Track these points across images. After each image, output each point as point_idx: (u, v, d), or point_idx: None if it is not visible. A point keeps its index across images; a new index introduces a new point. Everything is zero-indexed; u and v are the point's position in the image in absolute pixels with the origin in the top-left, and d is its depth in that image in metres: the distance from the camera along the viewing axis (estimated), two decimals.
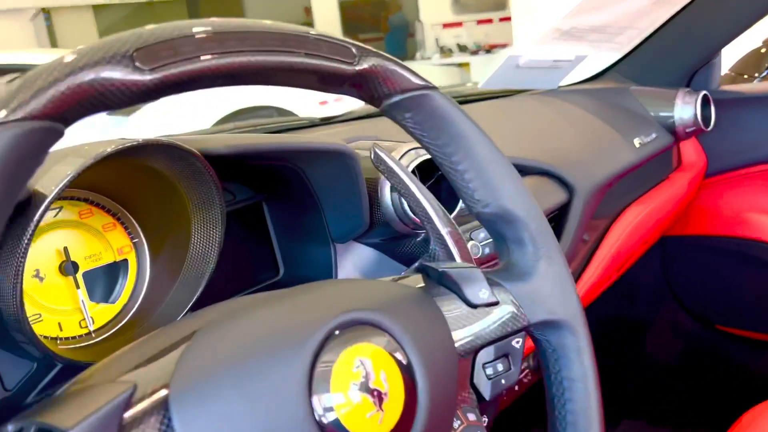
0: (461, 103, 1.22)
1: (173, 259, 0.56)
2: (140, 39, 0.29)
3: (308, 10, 10.78)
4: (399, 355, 0.34)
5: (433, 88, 0.41)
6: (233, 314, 0.34)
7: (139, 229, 0.58)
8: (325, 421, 0.31)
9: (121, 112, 3.76)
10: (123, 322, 0.58)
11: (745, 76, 1.41)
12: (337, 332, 0.33)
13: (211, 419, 0.29)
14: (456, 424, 0.39)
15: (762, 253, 1.24)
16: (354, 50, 0.37)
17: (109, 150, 0.43)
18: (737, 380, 1.34)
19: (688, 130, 1.12)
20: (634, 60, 1.28)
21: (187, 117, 3.59)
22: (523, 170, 0.84)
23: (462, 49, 7.72)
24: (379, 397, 0.32)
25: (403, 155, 0.61)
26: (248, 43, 0.32)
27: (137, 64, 0.28)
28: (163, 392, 0.29)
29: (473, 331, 0.40)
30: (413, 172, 0.62)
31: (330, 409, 0.31)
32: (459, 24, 8.45)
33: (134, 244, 0.58)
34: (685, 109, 1.10)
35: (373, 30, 10.14)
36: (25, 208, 0.42)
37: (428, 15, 8.69)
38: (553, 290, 0.43)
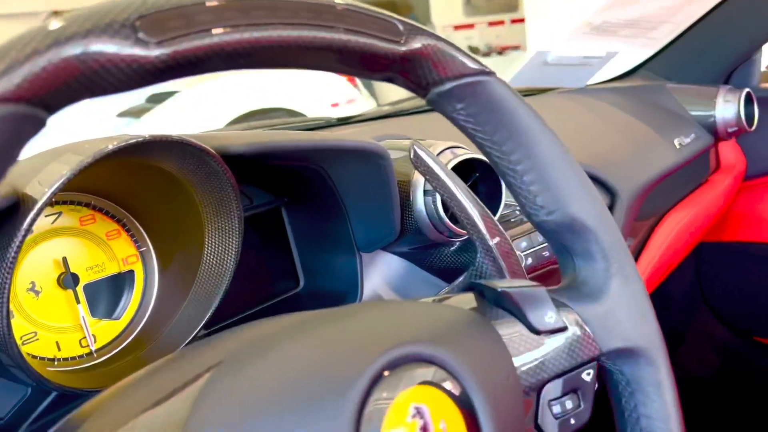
0: None
1: (184, 271, 0.50)
2: (145, 3, 0.23)
3: None
4: (461, 398, 0.28)
5: (492, 73, 0.35)
6: (258, 348, 0.27)
7: (146, 237, 0.52)
8: None
9: (131, 114, 3.73)
10: (128, 341, 0.52)
11: None
12: (386, 373, 0.26)
13: None
14: None
15: None
16: (401, 27, 0.31)
17: (111, 147, 0.37)
18: None
19: (730, 130, 1.05)
20: (668, 57, 1.21)
21: (194, 121, 3.55)
22: None
23: (473, 50, 7.66)
24: None
25: (441, 153, 0.55)
26: (279, 14, 0.26)
27: (141, 35, 0.22)
28: None
29: (539, 362, 0.34)
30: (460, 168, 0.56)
31: None
32: (471, 26, 8.39)
33: (141, 253, 0.53)
34: (727, 107, 1.03)
35: None
36: (13, 213, 0.36)
37: (439, 16, 8.62)
38: (629, 313, 0.36)
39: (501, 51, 7.71)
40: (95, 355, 0.51)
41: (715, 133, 1.06)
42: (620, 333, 0.36)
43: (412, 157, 0.43)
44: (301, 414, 0.24)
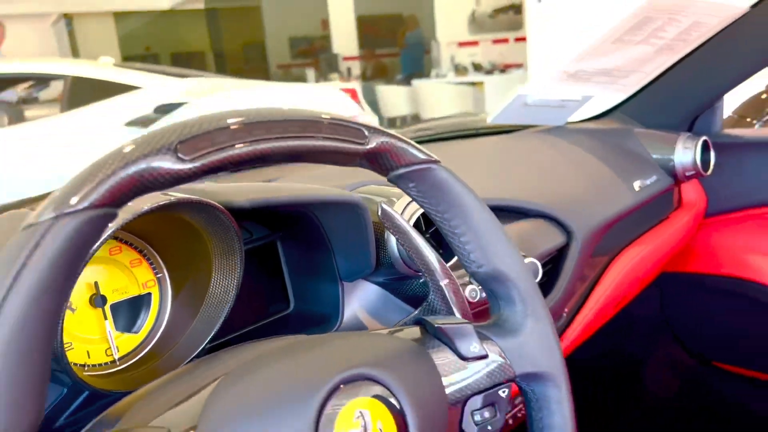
0: (470, 136, 1.27)
1: (193, 296, 0.61)
2: (183, 132, 0.34)
3: (325, 23, 10.92)
4: (394, 406, 0.39)
5: (436, 162, 0.46)
6: (252, 366, 0.38)
7: (163, 266, 0.63)
8: None
9: (140, 125, 3.84)
10: (145, 352, 0.62)
11: (748, 119, 1.45)
12: (341, 386, 0.37)
13: None
14: None
15: (759, 294, 1.27)
16: (365, 131, 0.42)
17: (146, 208, 0.48)
18: (733, 418, 1.37)
19: (687, 174, 1.16)
20: (639, 101, 1.32)
21: None
22: (525, 213, 0.88)
23: (477, 68, 7.79)
24: None
25: (406, 206, 0.66)
26: (274, 131, 0.37)
27: (180, 155, 0.33)
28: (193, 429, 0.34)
29: (463, 382, 0.45)
30: (418, 219, 0.67)
31: None
32: (475, 43, 8.53)
33: (158, 279, 0.63)
34: (685, 153, 1.14)
35: (389, 45, 10.25)
36: None
37: (445, 33, 8.78)
38: (538, 345, 0.47)
39: (504, 69, 7.84)
40: (118, 363, 0.61)
41: (675, 175, 1.16)
42: (531, 361, 0.47)
43: (380, 214, 0.54)
44: (280, 413, 0.35)
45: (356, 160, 0.42)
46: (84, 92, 4.00)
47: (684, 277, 1.37)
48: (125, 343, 0.62)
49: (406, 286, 0.71)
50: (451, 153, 1.10)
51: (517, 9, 8.13)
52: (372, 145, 0.42)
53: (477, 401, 0.45)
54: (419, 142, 1.22)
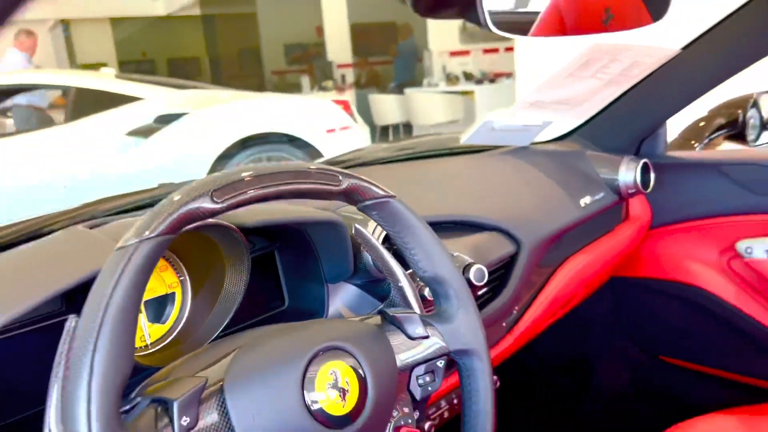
0: (445, 155, 1.44)
1: (209, 295, 0.78)
2: (215, 183, 0.51)
3: (320, 30, 11.10)
4: (358, 369, 0.56)
5: (392, 196, 0.63)
6: (259, 340, 0.56)
7: (185, 271, 0.80)
8: (312, 407, 0.53)
9: (141, 134, 4.01)
10: (171, 338, 0.80)
11: (692, 142, 1.63)
12: (320, 353, 0.55)
13: (247, 401, 0.51)
14: (395, 413, 0.60)
15: (697, 296, 1.45)
16: (339, 177, 0.59)
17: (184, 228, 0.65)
18: (676, 405, 1.55)
19: (630, 191, 1.34)
20: (594, 126, 1.50)
21: (206, 140, 3.83)
22: (481, 226, 1.06)
23: (468, 77, 7.98)
24: (343, 392, 0.54)
25: (376, 227, 0.83)
26: (276, 179, 0.55)
27: (214, 198, 0.51)
28: (221, 384, 0.51)
29: (411, 355, 0.62)
30: (385, 236, 0.85)
31: (315, 401, 0.53)
32: (466, 52, 8.74)
33: (181, 281, 0.80)
34: (627, 174, 1.32)
35: (382, 53, 10.44)
36: None
37: (437, 42, 8.98)
38: (467, 330, 0.65)
39: (494, 78, 8.05)
40: (149, 346, 0.78)
41: (619, 193, 1.34)
42: (462, 340, 0.64)
43: (354, 233, 0.71)
44: (279, 369, 0.53)
45: (335, 197, 0.60)
46: (87, 103, 4.16)
47: (634, 281, 1.55)
48: (155, 331, 0.80)
49: (378, 287, 0.88)
50: (426, 171, 1.27)
51: None
52: (344, 186, 0.59)
53: (421, 369, 0.63)
54: (402, 160, 1.43)
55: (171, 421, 0.48)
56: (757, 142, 1.54)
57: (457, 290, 0.65)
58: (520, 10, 0.75)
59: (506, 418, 1.73)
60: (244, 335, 0.60)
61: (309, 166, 0.58)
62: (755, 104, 1.70)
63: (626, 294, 1.58)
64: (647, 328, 1.59)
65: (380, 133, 7.16)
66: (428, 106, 6.77)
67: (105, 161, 3.92)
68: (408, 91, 7.37)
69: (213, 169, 3.89)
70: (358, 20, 10.75)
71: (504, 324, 1.06)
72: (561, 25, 0.87)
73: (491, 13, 0.65)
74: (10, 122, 4.73)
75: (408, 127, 7.36)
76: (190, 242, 0.78)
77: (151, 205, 0.98)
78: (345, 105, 4.22)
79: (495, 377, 0.94)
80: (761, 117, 1.73)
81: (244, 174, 0.53)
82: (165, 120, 4.08)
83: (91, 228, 0.76)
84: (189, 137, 3.97)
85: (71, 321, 0.49)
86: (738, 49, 1.21)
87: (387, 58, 10.06)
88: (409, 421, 0.61)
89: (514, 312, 1.07)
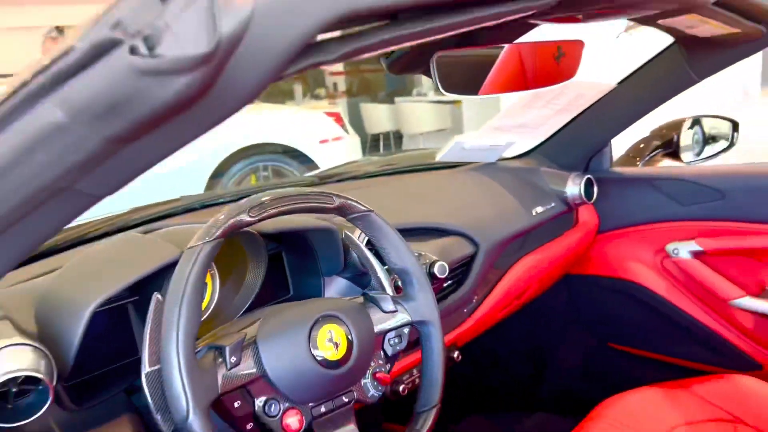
0: (423, 170, 1.69)
1: (234, 285, 1.03)
2: (250, 205, 0.76)
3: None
4: (347, 331, 0.81)
5: (371, 211, 0.88)
6: (277, 311, 0.81)
7: (213, 266, 1.05)
8: (315, 354, 0.78)
9: None
10: (204, 317, 1.04)
11: (635, 159, 1.89)
12: (320, 319, 0.80)
13: (272, 350, 0.76)
14: (372, 364, 0.85)
15: (636, 291, 1.71)
16: (334, 197, 0.85)
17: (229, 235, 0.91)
18: (623, 385, 1.81)
19: (576, 202, 1.60)
20: (548, 146, 1.76)
21: (206, 150, 4.06)
22: (446, 231, 1.31)
23: None
24: (336, 346, 0.79)
25: (361, 233, 1.08)
26: (287, 201, 0.80)
27: (250, 213, 0.76)
28: (254, 339, 0.76)
29: (384, 324, 0.87)
30: (368, 240, 1.10)
31: (317, 350, 0.78)
32: None
33: (211, 274, 1.05)
34: (573, 187, 1.58)
35: (373, 61, 10.68)
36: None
37: None
38: (425, 307, 0.90)
39: None
40: None
41: (567, 203, 1.60)
42: (421, 314, 0.90)
43: (344, 237, 0.96)
44: (292, 330, 0.78)
45: (330, 211, 0.85)
46: None
47: (585, 278, 1.81)
48: None
49: (362, 279, 1.13)
50: (405, 184, 1.52)
51: None
52: (336, 204, 0.85)
53: (392, 334, 0.88)
54: (385, 174, 1.69)
55: (224, 360, 0.73)
56: (688, 160, 1.80)
57: (418, 278, 0.91)
58: (469, 73, 0.99)
59: (477, 395, 1.98)
60: (264, 310, 0.85)
61: (312, 190, 0.83)
62: (697, 123, 1.96)
63: (579, 289, 1.84)
64: (597, 319, 1.85)
65: (371, 140, 7.41)
66: (417, 115, 7.03)
67: None
68: (398, 100, 7.63)
69: (213, 176, 4.13)
70: None
71: (465, 310, 1.31)
72: (513, 81, 1.10)
73: (441, 79, 0.89)
74: None
75: (398, 135, 7.61)
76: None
77: (175, 214, 1.24)
78: (337, 117, 4.47)
79: (457, 352, 1.21)
80: (704, 135, 1.99)
81: (265, 198, 0.78)
82: None
83: (144, 233, 1.01)
84: (190, 146, 4.19)
85: (156, 297, 0.74)
86: (658, 86, 1.47)
87: (378, 66, 10.28)
88: (383, 370, 0.86)
89: (474, 301, 1.33)
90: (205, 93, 0.39)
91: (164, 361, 0.68)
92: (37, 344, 0.73)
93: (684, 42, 1.31)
